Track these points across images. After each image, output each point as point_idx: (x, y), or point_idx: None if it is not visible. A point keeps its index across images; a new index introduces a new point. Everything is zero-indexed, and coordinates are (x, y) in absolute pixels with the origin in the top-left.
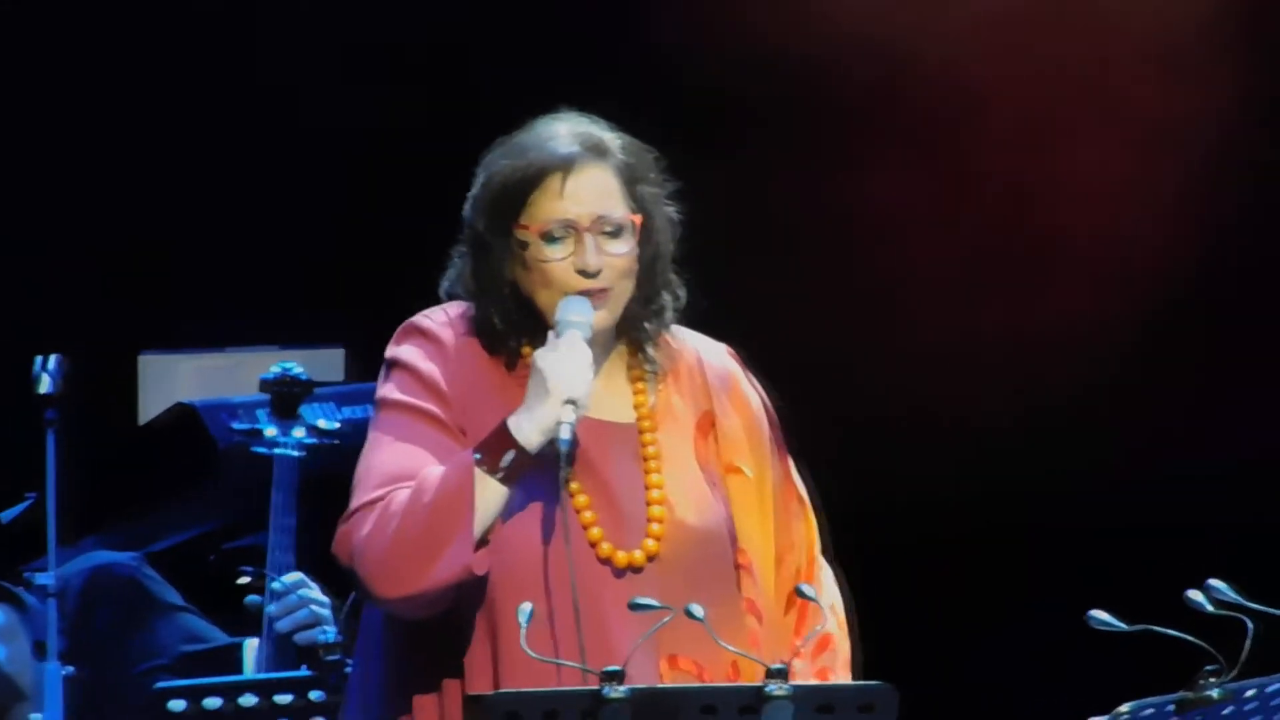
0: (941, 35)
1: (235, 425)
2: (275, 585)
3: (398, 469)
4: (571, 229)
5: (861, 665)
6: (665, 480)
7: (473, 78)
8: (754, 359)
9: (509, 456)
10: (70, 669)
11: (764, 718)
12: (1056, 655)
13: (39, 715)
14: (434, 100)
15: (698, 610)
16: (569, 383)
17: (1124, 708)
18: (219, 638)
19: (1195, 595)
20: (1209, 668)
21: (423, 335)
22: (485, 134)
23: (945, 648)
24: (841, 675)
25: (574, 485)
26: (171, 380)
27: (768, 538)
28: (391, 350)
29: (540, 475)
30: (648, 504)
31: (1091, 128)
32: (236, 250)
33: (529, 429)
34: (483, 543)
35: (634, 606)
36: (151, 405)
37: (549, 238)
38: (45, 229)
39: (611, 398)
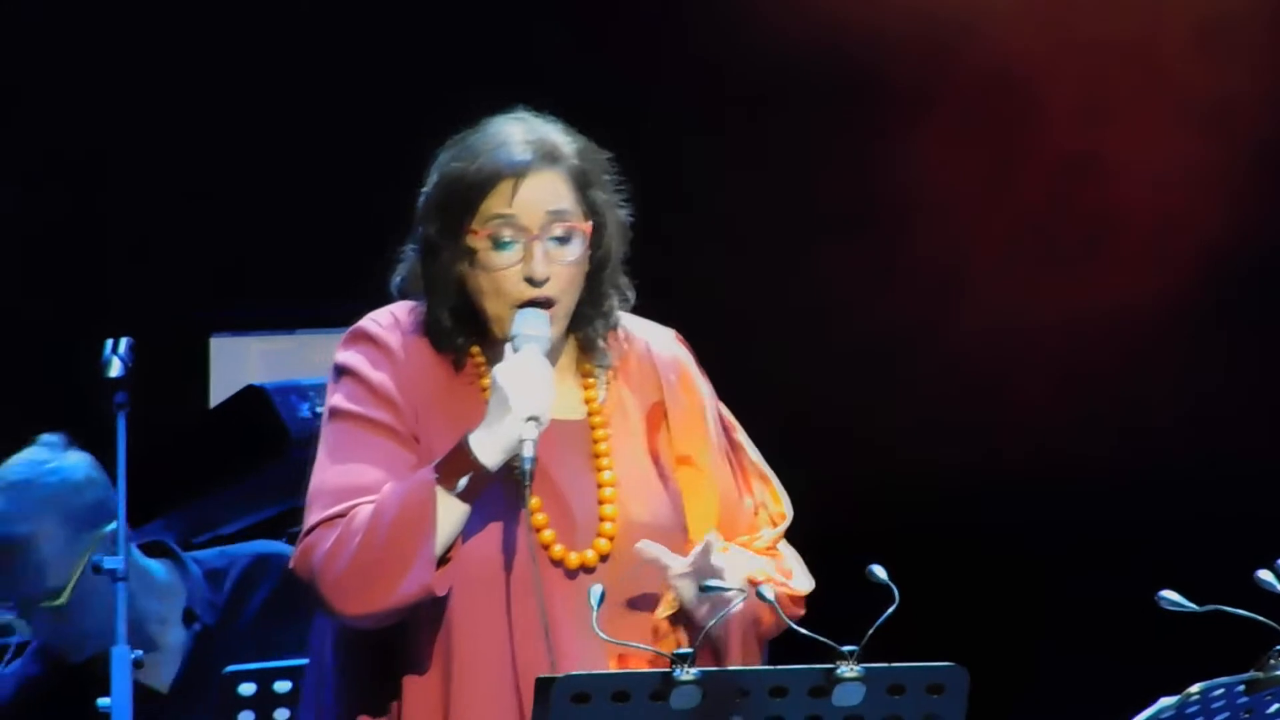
0: (990, 12)
1: (319, 410)
2: None
3: (355, 483)
4: (521, 236)
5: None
6: (617, 477)
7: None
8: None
9: (470, 475)
10: (139, 653)
11: (834, 699)
12: (1129, 639)
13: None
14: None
15: (768, 592)
16: (530, 399)
17: (1194, 688)
18: None
19: (1265, 575)
20: (1279, 648)
21: (370, 341)
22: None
23: (1011, 629)
24: (794, 565)
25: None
26: (242, 362)
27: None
28: (340, 356)
29: (495, 484)
30: (599, 503)
31: (1142, 107)
32: (307, 231)
33: (490, 447)
34: (443, 561)
35: (705, 589)
36: (221, 387)
37: (498, 243)
38: (113, 212)
39: (562, 395)
